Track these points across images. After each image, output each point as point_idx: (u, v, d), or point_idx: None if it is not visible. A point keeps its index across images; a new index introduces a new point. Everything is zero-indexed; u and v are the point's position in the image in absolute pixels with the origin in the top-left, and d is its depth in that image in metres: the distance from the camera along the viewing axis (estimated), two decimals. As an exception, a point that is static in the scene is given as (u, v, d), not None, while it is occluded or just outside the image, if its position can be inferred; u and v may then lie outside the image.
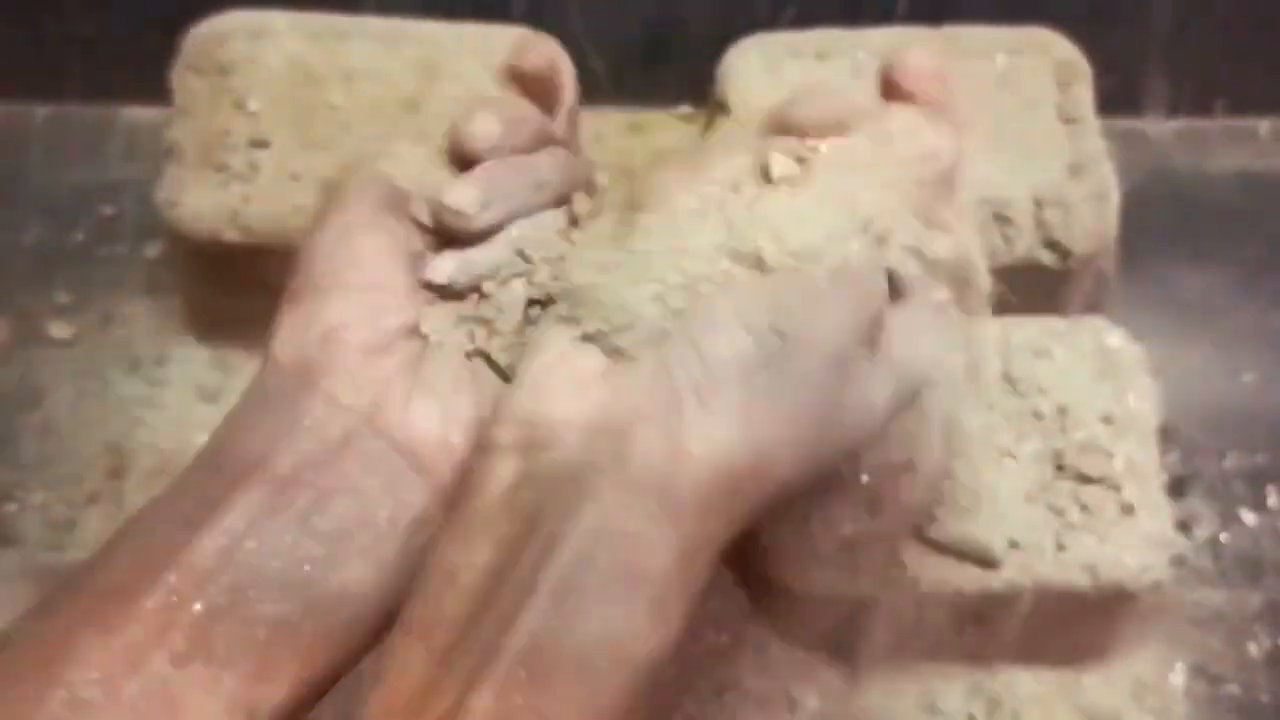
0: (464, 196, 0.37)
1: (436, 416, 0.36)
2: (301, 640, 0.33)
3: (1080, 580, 0.52)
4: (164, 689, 0.31)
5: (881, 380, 0.36)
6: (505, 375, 0.38)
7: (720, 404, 0.32)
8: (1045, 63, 0.63)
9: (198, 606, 0.32)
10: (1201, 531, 0.63)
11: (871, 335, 0.35)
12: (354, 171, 0.39)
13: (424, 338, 0.38)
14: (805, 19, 0.67)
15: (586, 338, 0.34)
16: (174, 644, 0.32)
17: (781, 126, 0.38)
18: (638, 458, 0.32)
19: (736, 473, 0.32)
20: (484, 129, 0.39)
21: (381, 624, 0.35)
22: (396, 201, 0.38)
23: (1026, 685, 0.57)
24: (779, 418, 0.33)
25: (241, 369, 0.62)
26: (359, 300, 0.37)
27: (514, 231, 0.39)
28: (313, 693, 0.34)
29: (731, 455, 0.32)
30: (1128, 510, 0.53)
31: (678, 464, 0.32)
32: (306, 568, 0.33)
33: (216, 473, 0.35)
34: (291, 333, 0.37)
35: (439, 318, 0.38)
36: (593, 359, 0.34)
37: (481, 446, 0.34)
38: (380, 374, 0.36)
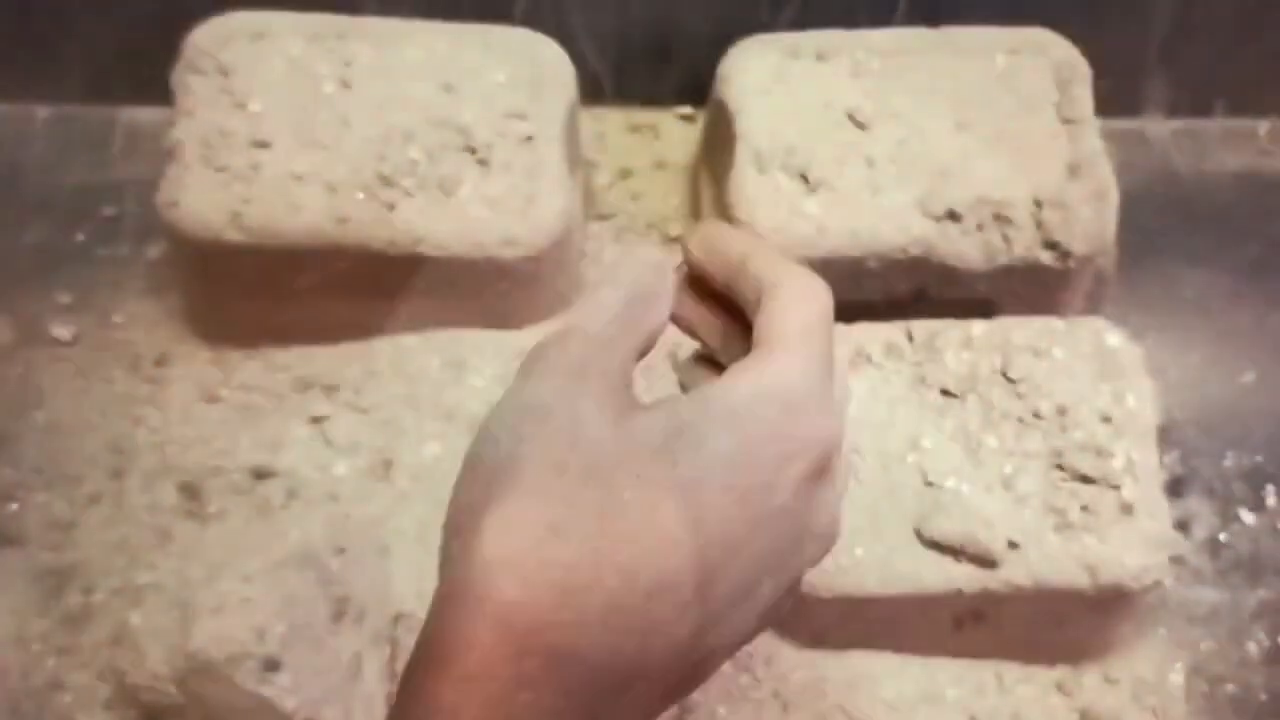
0: None
1: None
2: None
3: (1079, 579, 0.52)
4: None
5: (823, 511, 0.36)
6: None
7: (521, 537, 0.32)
8: (1045, 63, 0.63)
9: None
10: (1200, 531, 0.63)
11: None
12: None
13: None
14: (805, 20, 0.67)
15: None
16: None
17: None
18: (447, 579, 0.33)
19: (535, 618, 0.31)
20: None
21: None
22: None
23: (1026, 684, 0.57)
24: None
25: (241, 368, 0.63)
26: None
27: None
28: None
29: (520, 607, 0.31)
30: (1127, 510, 0.53)
31: (465, 602, 0.31)
32: None
33: None
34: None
35: None
36: None
37: None
38: None
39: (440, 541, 0.33)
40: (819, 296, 0.36)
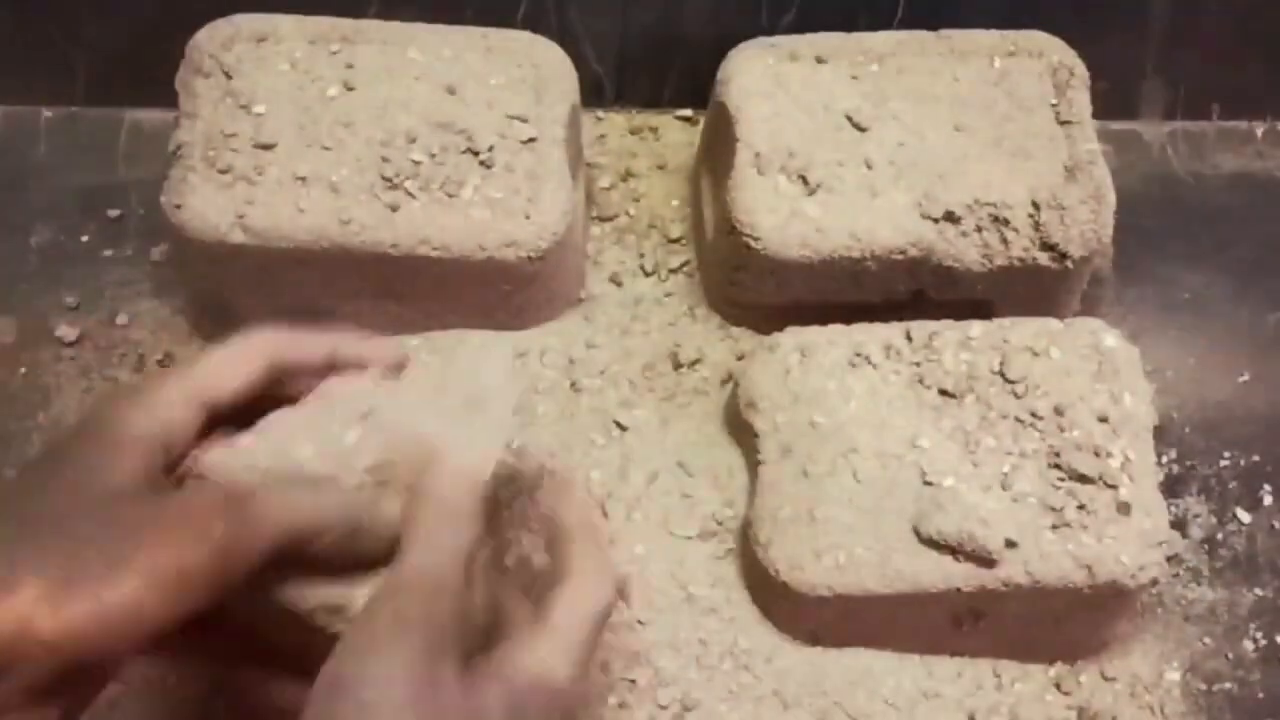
0: None
1: None
2: None
3: (1077, 578, 0.53)
4: None
5: (491, 690, 0.39)
6: None
7: None
8: (1042, 66, 0.64)
9: None
10: (1197, 530, 0.63)
11: (460, 647, 0.39)
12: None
13: None
14: (804, 23, 0.67)
15: None
16: None
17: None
18: None
19: None
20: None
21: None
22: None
23: (1024, 682, 0.57)
24: None
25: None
26: None
27: None
28: None
29: None
30: (1124, 509, 0.54)
31: None
32: None
33: None
34: None
35: None
36: None
37: None
38: None
39: None
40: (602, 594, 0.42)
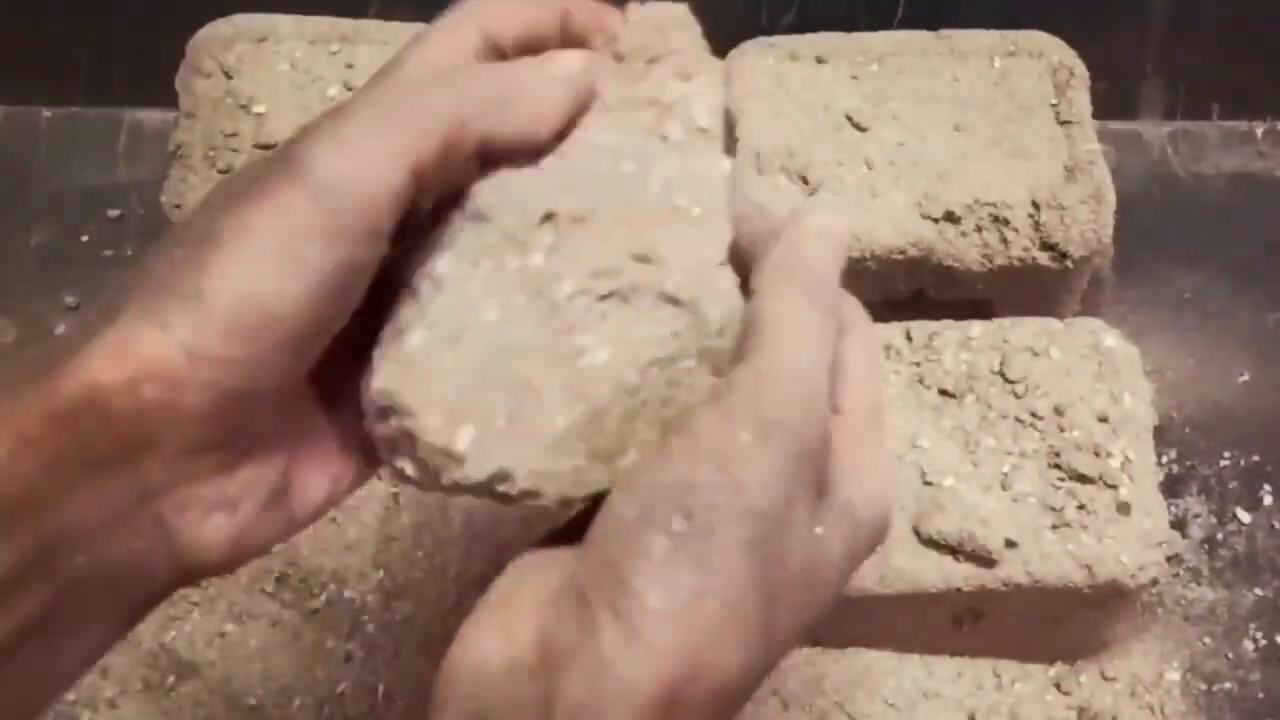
0: None
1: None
2: None
3: (1077, 578, 0.53)
4: None
5: (836, 531, 0.31)
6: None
7: (639, 617, 0.28)
8: (1042, 66, 0.64)
9: None
10: (1197, 530, 0.63)
11: (815, 476, 0.31)
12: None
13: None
14: (804, 23, 0.68)
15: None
16: None
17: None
18: (562, 701, 0.28)
19: (674, 685, 0.28)
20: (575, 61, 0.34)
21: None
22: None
23: (1024, 681, 0.57)
24: (709, 614, 0.28)
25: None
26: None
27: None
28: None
29: (661, 671, 0.28)
30: (1124, 509, 0.54)
31: (604, 699, 0.28)
32: None
33: None
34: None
35: None
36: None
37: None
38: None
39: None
40: (835, 234, 0.33)
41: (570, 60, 0.34)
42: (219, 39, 0.61)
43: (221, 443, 0.31)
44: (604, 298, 0.32)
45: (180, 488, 0.31)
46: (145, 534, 0.30)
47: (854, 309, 0.34)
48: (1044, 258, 0.59)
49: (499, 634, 0.29)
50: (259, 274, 0.30)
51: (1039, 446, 0.55)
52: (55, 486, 0.29)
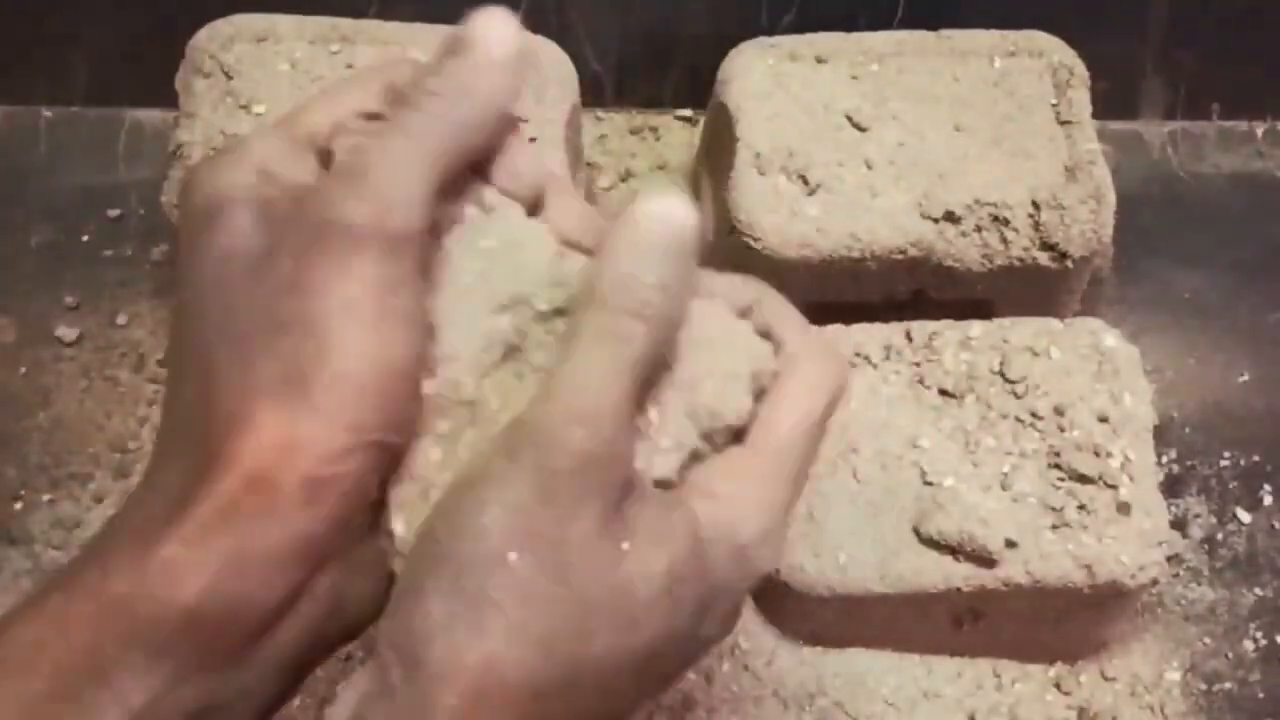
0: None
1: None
2: None
3: (1077, 578, 0.53)
4: None
5: (656, 547, 0.30)
6: None
7: (425, 681, 0.28)
8: (1042, 66, 0.64)
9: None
10: (1197, 530, 0.63)
11: (606, 490, 0.30)
12: (203, 180, 0.32)
13: None
14: (804, 23, 0.68)
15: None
16: None
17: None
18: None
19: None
20: (501, 32, 0.32)
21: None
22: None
23: (1024, 681, 0.57)
24: (490, 666, 0.28)
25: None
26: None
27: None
28: None
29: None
30: (1124, 509, 0.54)
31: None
32: None
33: None
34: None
35: None
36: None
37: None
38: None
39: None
40: (832, 377, 0.33)
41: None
42: (219, 39, 0.61)
43: None
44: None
45: None
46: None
47: (805, 340, 0.34)
48: (1044, 258, 0.59)
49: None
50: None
51: (1039, 446, 0.55)
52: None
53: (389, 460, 0.31)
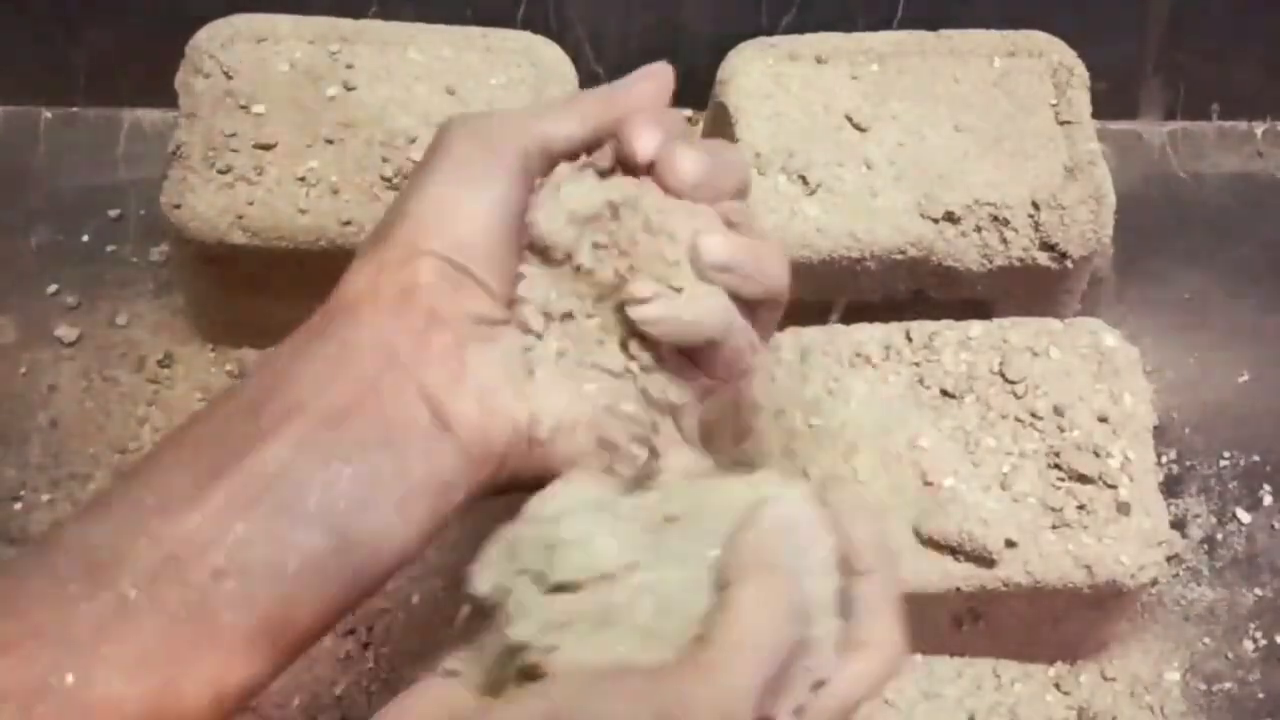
0: None
1: (476, 406, 0.36)
2: (327, 575, 0.34)
3: (1076, 578, 0.53)
4: (201, 601, 0.32)
5: None
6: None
7: None
8: (1042, 66, 0.64)
9: (239, 528, 0.33)
10: (1197, 530, 0.63)
11: None
12: (459, 118, 0.39)
13: (515, 304, 0.38)
14: (804, 23, 0.68)
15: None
16: (214, 560, 0.32)
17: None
18: None
19: None
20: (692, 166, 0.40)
21: (395, 571, 0.36)
22: (503, 149, 0.38)
23: (1024, 682, 0.57)
24: None
25: (245, 369, 0.63)
26: (444, 269, 0.36)
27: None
28: (326, 626, 0.35)
29: None
30: (1124, 509, 0.54)
31: None
32: (341, 505, 0.34)
33: (261, 406, 0.35)
34: (367, 281, 0.37)
35: (532, 292, 0.38)
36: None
37: None
38: (442, 347, 0.36)
39: None
40: (890, 678, 0.35)
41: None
42: (219, 39, 0.61)
43: None
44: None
45: None
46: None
47: (889, 636, 0.34)
48: (1044, 258, 0.60)
49: None
50: None
51: (1039, 446, 0.55)
52: None
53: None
